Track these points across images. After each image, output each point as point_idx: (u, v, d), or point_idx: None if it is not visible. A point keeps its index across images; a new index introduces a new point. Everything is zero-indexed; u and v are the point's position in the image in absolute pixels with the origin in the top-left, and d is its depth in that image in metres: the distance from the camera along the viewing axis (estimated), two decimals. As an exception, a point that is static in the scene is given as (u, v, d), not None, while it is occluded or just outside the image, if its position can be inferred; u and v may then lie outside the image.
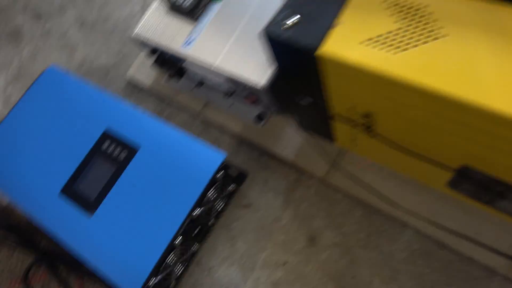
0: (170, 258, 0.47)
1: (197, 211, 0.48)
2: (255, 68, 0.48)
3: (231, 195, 0.55)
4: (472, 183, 0.40)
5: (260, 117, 0.57)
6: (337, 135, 0.48)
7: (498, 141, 0.30)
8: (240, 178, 0.56)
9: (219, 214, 0.55)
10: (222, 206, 0.54)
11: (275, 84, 0.49)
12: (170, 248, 0.46)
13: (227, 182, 0.53)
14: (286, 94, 0.46)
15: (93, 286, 0.55)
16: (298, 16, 0.34)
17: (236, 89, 0.53)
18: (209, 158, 0.47)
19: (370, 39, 0.31)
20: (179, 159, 0.48)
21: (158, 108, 0.65)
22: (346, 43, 0.31)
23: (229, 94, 0.56)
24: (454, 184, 0.42)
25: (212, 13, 0.53)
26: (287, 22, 0.33)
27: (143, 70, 0.66)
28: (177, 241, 0.46)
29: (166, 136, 0.49)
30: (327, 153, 0.53)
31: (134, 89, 0.67)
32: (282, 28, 0.33)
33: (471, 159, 0.35)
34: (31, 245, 0.57)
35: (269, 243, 0.53)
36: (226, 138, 0.60)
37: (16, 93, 0.74)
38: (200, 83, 0.58)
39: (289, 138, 0.56)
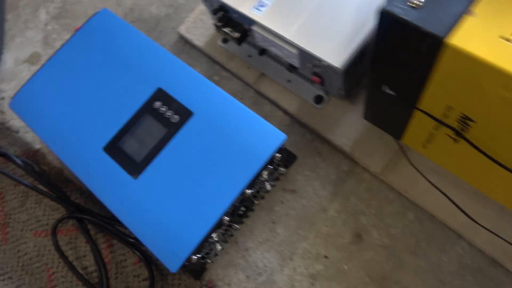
0: (215, 236, 0.44)
1: (249, 191, 0.45)
2: (333, 47, 0.44)
3: (278, 177, 0.52)
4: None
5: (319, 99, 0.53)
6: (409, 132, 0.44)
7: None
8: (289, 160, 0.53)
9: (265, 196, 0.52)
10: (268, 188, 0.51)
11: (352, 67, 0.45)
12: (217, 226, 0.43)
13: (280, 164, 0.50)
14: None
15: (122, 251, 0.53)
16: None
17: (302, 65, 0.49)
18: (269, 136, 0.44)
19: (508, 37, 0.27)
20: (238, 133, 0.44)
21: (208, 70, 0.60)
22: (480, 36, 0.27)
23: (292, 69, 0.52)
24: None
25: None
26: (414, 2, 0.29)
27: (197, 28, 0.62)
28: (224, 219, 0.44)
29: (225, 105, 0.46)
30: (388, 149, 0.50)
31: (185, 46, 0.63)
32: (407, 7, 0.29)
33: None
34: (60, 197, 0.54)
35: (311, 234, 0.50)
36: (278, 115, 0.56)
37: (57, 32, 0.69)
38: (261, 52, 0.54)
39: (348, 126, 0.52)
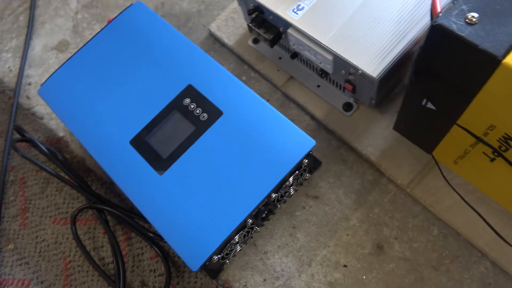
0: (237, 237, 0.44)
1: (274, 195, 0.44)
2: (371, 56, 0.43)
3: (303, 182, 0.52)
4: None
5: (348, 106, 0.53)
6: (442, 147, 0.43)
7: None
8: (313, 166, 0.52)
9: (287, 200, 0.51)
10: (292, 192, 0.50)
11: (387, 77, 0.44)
12: (240, 228, 0.43)
13: (305, 170, 0.49)
14: (411, 93, 0.41)
15: (139, 244, 0.53)
16: (477, 14, 0.29)
17: (335, 71, 0.49)
18: (298, 141, 0.44)
19: None
20: (267, 135, 0.44)
21: (237, 70, 0.60)
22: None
23: (323, 74, 0.52)
24: None
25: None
26: (470, 17, 0.28)
27: (228, 26, 0.61)
28: (247, 222, 0.43)
29: (256, 106, 0.45)
30: (416, 161, 0.49)
31: (214, 44, 0.62)
32: (462, 23, 0.28)
33: None
34: (81, 186, 0.54)
35: (331, 241, 0.50)
36: (305, 120, 0.56)
37: (87, 21, 0.69)
38: (293, 55, 0.53)
39: (375, 136, 0.51)
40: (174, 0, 0.67)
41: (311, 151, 0.46)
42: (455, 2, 0.30)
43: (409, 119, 0.44)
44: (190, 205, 0.43)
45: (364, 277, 0.48)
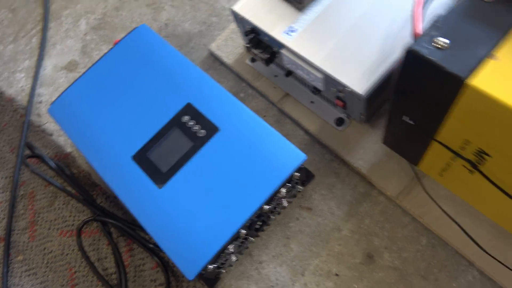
0: (231, 247, 0.46)
1: (267, 207, 0.47)
2: (359, 75, 0.46)
3: (296, 194, 0.54)
4: None
5: (340, 121, 0.55)
6: (426, 160, 0.46)
7: None
8: (306, 178, 0.55)
9: (281, 212, 0.54)
10: (285, 204, 0.52)
11: (375, 94, 0.47)
12: (234, 238, 0.45)
13: (298, 182, 0.51)
14: (392, 109, 0.44)
15: (141, 255, 0.56)
16: (448, 41, 0.32)
17: (327, 89, 0.52)
18: (290, 155, 0.46)
19: None
20: (260, 150, 0.46)
21: (235, 87, 0.63)
22: (499, 79, 0.29)
23: (316, 91, 0.55)
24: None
25: (322, 6, 0.50)
26: (439, 43, 0.31)
27: (227, 46, 0.65)
28: (241, 233, 0.46)
29: (250, 122, 0.48)
30: (405, 174, 0.51)
31: (214, 62, 0.66)
32: (432, 48, 0.31)
33: None
34: (87, 199, 0.57)
35: (324, 251, 0.52)
36: (299, 134, 0.58)
37: (95, 42, 0.73)
38: (288, 74, 0.56)
39: (366, 150, 0.54)
40: (177, 22, 0.71)
41: (303, 164, 0.48)
42: (429, 29, 0.33)
43: (394, 133, 0.46)
44: (186, 216, 0.45)
45: (355, 285, 0.49)
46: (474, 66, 0.30)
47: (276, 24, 0.51)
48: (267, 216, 0.51)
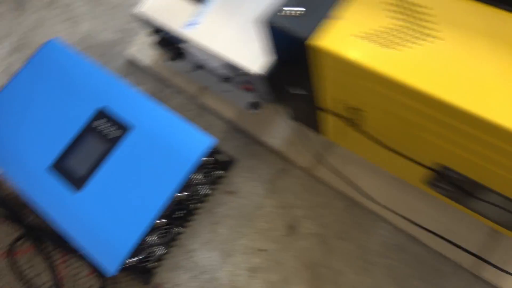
0: (152, 239, 0.48)
1: (182, 194, 0.48)
2: (254, 56, 0.49)
3: (217, 180, 0.56)
4: (450, 183, 0.41)
5: (254, 105, 0.58)
6: (325, 128, 0.48)
7: (479, 145, 0.31)
8: (228, 164, 0.57)
9: (204, 199, 0.55)
10: (208, 191, 0.54)
11: (271, 73, 0.49)
12: (151, 229, 0.47)
13: (216, 167, 0.53)
14: (280, 84, 0.46)
15: (76, 264, 0.56)
16: (303, 8, 0.34)
17: (233, 75, 0.54)
18: (197, 142, 0.48)
19: (365, 34, 0.32)
20: (168, 141, 0.48)
21: (156, 89, 0.65)
22: (340, 36, 0.32)
23: (226, 79, 0.57)
24: (433, 182, 0.43)
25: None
26: (287, 11, 0.34)
27: (143, 50, 0.66)
28: (159, 223, 0.47)
29: (158, 117, 0.50)
30: (314, 145, 0.54)
31: (133, 68, 0.67)
32: (280, 16, 0.34)
33: (450, 160, 0.36)
34: (18, 219, 0.57)
35: (250, 230, 0.54)
36: (219, 124, 0.60)
37: (18, 63, 0.74)
38: (199, 67, 0.58)
39: (279, 128, 0.56)
40: (95, 32, 0.72)
41: (217, 149, 0.50)
42: (286, 1, 0.35)
43: (293, 107, 0.49)
44: (104, 216, 0.46)
45: (281, 257, 0.52)
46: (314, 27, 0.32)
47: (177, 20, 0.53)
48: (189, 205, 0.52)
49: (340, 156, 0.52)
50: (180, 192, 0.48)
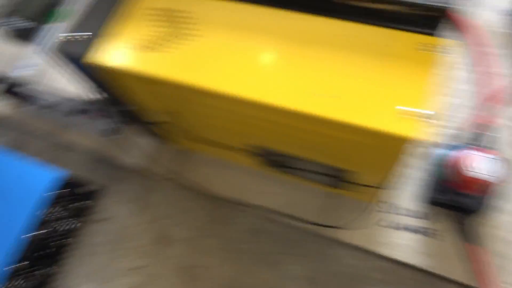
0: (16, 284, 0.47)
1: (39, 233, 0.48)
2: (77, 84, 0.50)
3: (84, 212, 0.56)
4: (273, 160, 0.45)
5: (109, 131, 0.59)
6: (164, 135, 0.51)
7: (269, 124, 0.35)
8: (95, 193, 0.57)
9: (72, 233, 0.55)
10: (75, 225, 0.54)
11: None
12: (11, 275, 0.46)
13: (77, 199, 0.54)
14: (115, 104, 0.49)
15: None
16: (90, 33, 0.37)
17: (75, 106, 0.55)
18: (40, 178, 0.48)
19: (133, 44, 0.35)
20: (10, 184, 0.48)
21: (11, 138, 0.64)
22: (109, 49, 0.35)
23: (75, 113, 0.58)
24: (265, 163, 0.47)
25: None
26: (74, 37, 0.36)
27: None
28: (21, 266, 0.47)
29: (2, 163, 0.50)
30: (172, 155, 0.57)
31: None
32: (67, 43, 0.36)
33: (260, 141, 0.40)
34: None
35: (126, 252, 0.55)
36: (81, 157, 0.61)
37: None
38: (47, 107, 0.59)
39: (139, 146, 0.58)
40: None
41: (72, 180, 0.51)
42: (75, 27, 0.38)
43: (135, 123, 0.51)
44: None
45: (159, 269, 0.53)
46: (90, 44, 0.36)
47: (12, 64, 0.54)
48: (52, 242, 0.52)
49: (196, 160, 0.55)
50: (35, 231, 0.48)
